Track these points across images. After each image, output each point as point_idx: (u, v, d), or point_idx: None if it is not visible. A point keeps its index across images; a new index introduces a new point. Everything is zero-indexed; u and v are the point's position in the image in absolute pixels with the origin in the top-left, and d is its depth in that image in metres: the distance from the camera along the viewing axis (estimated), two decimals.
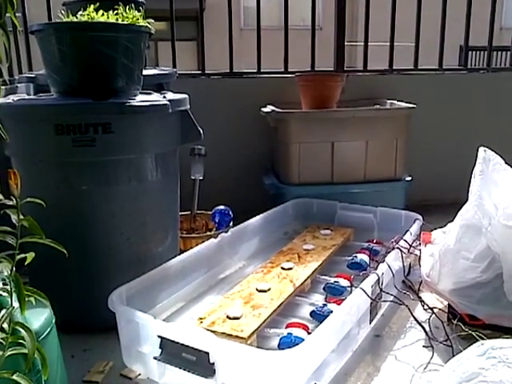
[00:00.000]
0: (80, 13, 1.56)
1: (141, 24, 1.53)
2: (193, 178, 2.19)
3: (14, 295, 0.79)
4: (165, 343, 1.20)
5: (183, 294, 1.60)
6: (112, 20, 1.51)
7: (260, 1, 2.66)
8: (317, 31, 2.79)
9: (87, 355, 1.41)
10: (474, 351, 1.04)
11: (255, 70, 2.68)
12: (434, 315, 1.53)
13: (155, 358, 1.21)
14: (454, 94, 2.77)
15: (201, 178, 2.20)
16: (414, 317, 1.53)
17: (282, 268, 1.69)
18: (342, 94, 2.47)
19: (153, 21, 1.57)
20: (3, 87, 1.02)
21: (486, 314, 1.40)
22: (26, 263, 0.79)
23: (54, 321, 1.06)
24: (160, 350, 1.21)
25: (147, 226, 1.58)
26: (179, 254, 1.65)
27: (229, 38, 2.63)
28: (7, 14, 0.82)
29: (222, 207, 2.12)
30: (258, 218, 2.00)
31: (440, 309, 1.58)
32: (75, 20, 1.52)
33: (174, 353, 1.19)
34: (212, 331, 1.28)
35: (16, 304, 0.80)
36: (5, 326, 0.78)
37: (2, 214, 0.78)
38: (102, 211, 1.50)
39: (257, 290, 1.54)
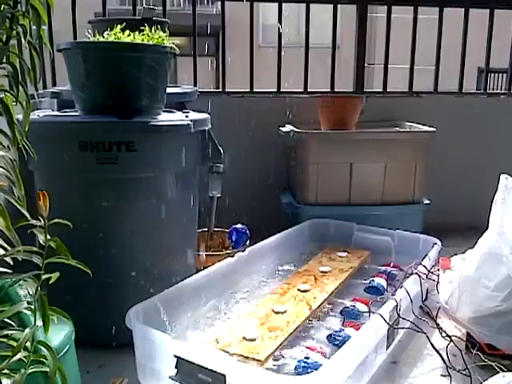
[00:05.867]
0: (107, 32, 1.60)
1: (166, 45, 1.56)
2: (210, 195, 2.19)
3: (38, 314, 0.80)
4: (181, 363, 1.20)
5: (199, 312, 1.59)
6: (138, 40, 1.54)
7: (281, 22, 2.69)
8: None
9: (102, 371, 1.42)
10: (495, 383, 1.03)
11: (275, 90, 2.70)
12: (451, 343, 1.51)
13: (170, 378, 1.21)
14: (473, 118, 2.75)
15: (218, 195, 2.21)
16: (431, 344, 1.50)
17: (299, 290, 1.68)
18: (361, 116, 2.48)
19: (178, 41, 1.59)
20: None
21: (505, 344, 1.38)
22: (50, 282, 0.80)
23: (73, 338, 1.07)
24: (176, 370, 1.21)
25: (165, 243, 1.59)
26: (196, 272, 1.65)
27: (250, 57, 2.66)
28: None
29: (239, 226, 2.12)
30: (274, 237, 2.00)
31: (458, 337, 1.55)
32: (102, 40, 1.56)
33: (189, 373, 1.18)
34: (228, 352, 1.28)
35: (39, 322, 0.80)
36: (27, 344, 0.78)
37: (28, 233, 0.79)
38: (122, 228, 1.52)
39: (273, 311, 1.53)
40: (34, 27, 0.85)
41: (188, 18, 2.59)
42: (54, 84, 2.53)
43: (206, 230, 2.22)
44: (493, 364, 1.33)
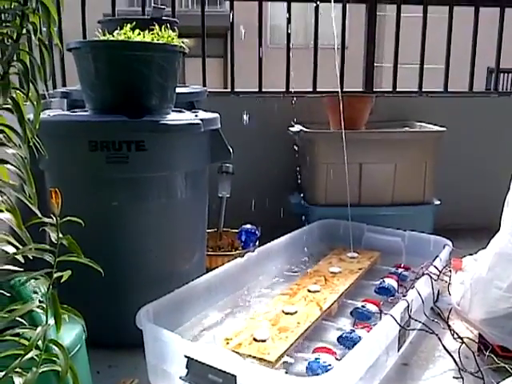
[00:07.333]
0: (117, 31, 1.59)
1: (176, 44, 1.55)
2: (220, 195, 2.20)
3: (49, 312, 0.80)
4: (191, 363, 1.19)
5: (209, 312, 1.59)
6: (148, 39, 1.53)
7: (290, 22, 2.68)
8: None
9: (113, 371, 1.41)
10: None
11: (284, 90, 2.69)
12: (463, 345, 1.49)
13: (181, 378, 1.20)
14: (484, 118, 2.73)
15: (228, 195, 2.21)
16: (443, 346, 1.49)
17: (309, 290, 1.67)
18: (371, 115, 2.46)
19: (187, 40, 1.59)
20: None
21: None
22: (61, 281, 0.79)
23: (84, 337, 1.06)
24: (186, 370, 1.20)
25: (175, 243, 1.59)
26: (206, 272, 1.65)
27: (258, 57, 2.65)
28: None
29: (248, 226, 2.11)
30: (283, 238, 1.99)
31: (470, 338, 1.53)
32: (112, 39, 1.55)
33: (200, 373, 1.18)
34: (238, 353, 1.27)
35: (51, 321, 0.80)
36: (39, 343, 0.78)
37: (39, 231, 0.79)
38: (132, 227, 1.51)
39: (283, 312, 1.52)
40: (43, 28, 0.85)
41: (197, 19, 2.59)
42: (64, 84, 2.54)
43: (216, 230, 2.22)
44: (506, 366, 1.32)
